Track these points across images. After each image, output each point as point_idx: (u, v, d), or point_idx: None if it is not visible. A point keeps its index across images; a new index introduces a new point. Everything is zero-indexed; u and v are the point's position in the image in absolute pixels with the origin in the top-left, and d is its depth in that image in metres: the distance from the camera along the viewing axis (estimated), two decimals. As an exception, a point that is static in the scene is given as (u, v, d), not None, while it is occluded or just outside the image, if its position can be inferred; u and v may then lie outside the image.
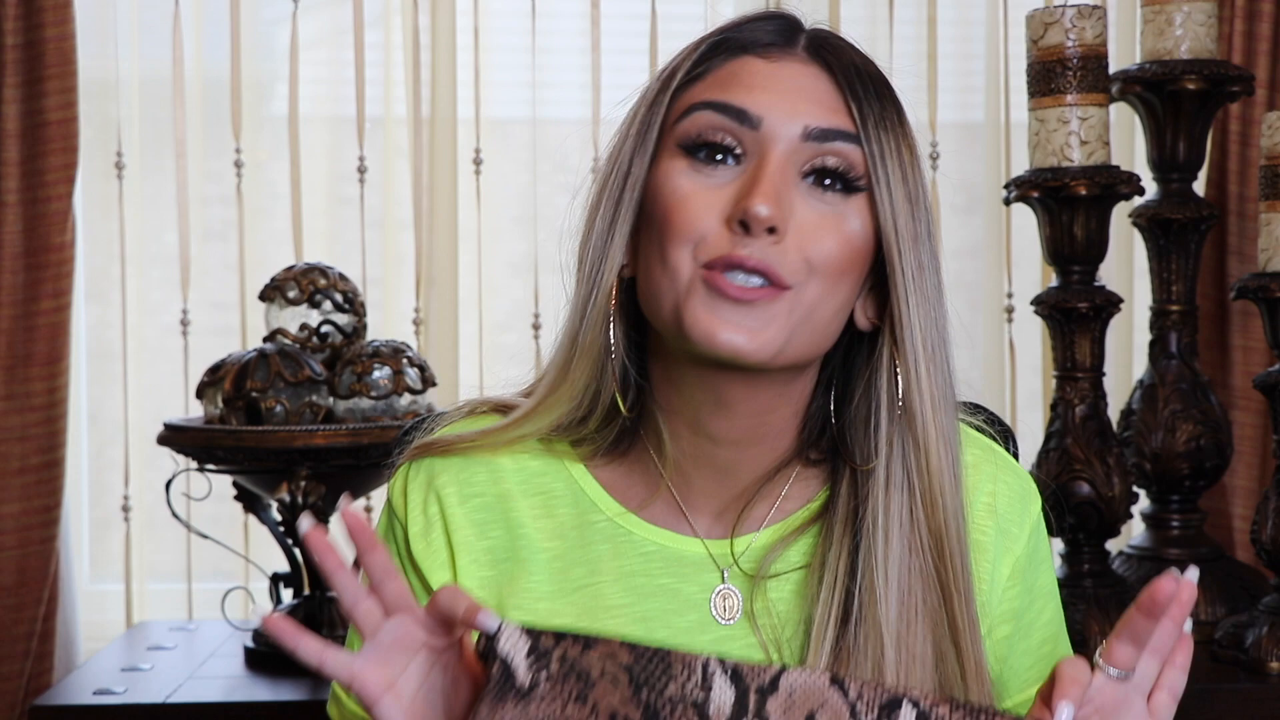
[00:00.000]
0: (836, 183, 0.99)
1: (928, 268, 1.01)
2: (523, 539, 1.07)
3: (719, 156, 0.99)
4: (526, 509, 1.07)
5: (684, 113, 1.00)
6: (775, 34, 1.02)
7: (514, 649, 0.90)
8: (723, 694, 0.90)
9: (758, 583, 1.04)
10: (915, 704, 0.90)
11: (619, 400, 1.05)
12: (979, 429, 1.14)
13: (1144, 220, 2.21)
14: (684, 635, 1.04)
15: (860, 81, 1.00)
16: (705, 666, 0.90)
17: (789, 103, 0.98)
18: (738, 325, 0.97)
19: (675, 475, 1.07)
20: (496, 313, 2.67)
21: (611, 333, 1.03)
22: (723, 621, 1.05)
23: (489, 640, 0.90)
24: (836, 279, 0.99)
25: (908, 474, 1.02)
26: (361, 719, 1.08)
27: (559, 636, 0.91)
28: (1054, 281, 2.14)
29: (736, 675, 0.90)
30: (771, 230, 0.96)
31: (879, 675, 1.00)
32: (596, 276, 1.02)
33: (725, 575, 1.06)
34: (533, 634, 0.91)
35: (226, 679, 2.07)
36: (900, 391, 1.01)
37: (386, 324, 2.62)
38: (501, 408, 1.11)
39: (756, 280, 0.97)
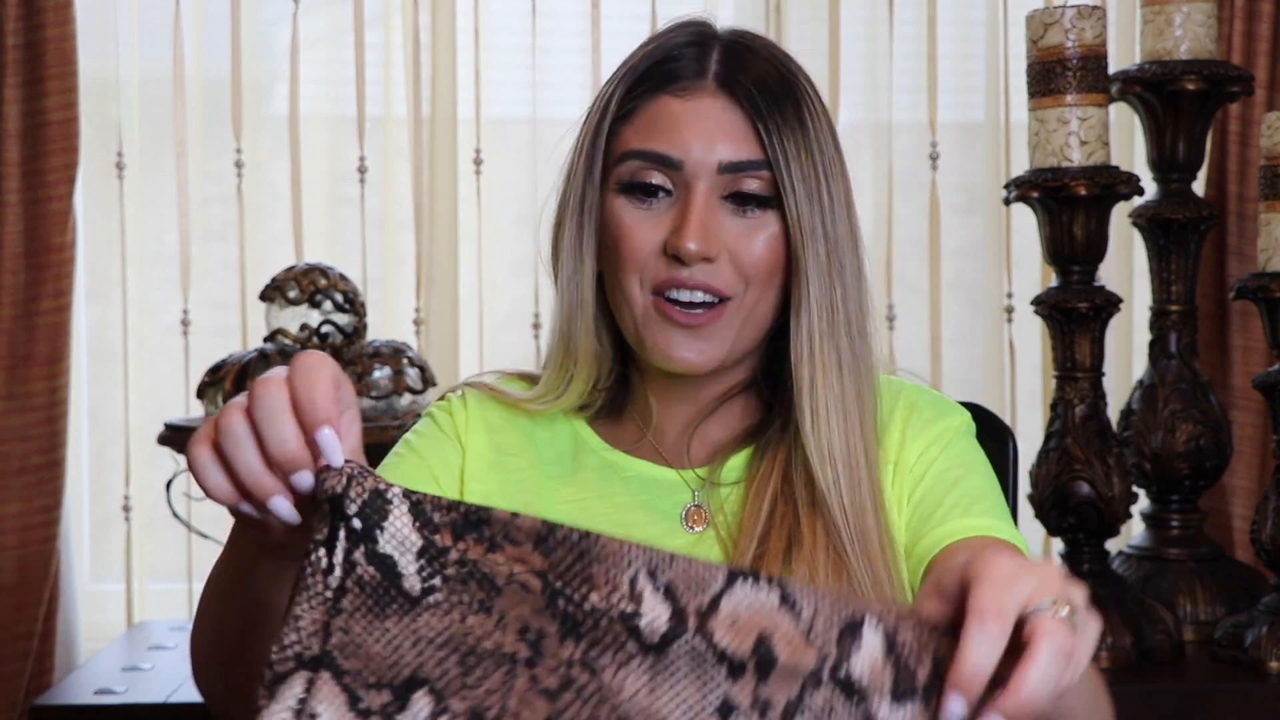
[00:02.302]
0: (752, 202, 1.16)
1: (834, 253, 1.16)
2: (527, 453, 1.24)
3: (653, 194, 1.16)
4: (532, 432, 1.25)
5: (619, 158, 1.17)
6: (690, 63, 1.17)
7: (400, 543, 0.77)
8: (655, 610, 0.77)
9: (711, 489, 1.21)
10: (879, 619, 0.77)
11: (607, 374, 1.24)
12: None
13: (1144, 220, 2.21)
14: (654, 539, 1.14)
15: (766, 101, 1.15)
16: (633, 581, 0.77)
17: (704, 142, 1.14)
18: (689, 346, 1.16)
19: (656, 431, 1.24)
20: (496, 313, 2.67)
21: (599, 337, 1.22)
22: (691, 531, 1.21)
23: (335, 498, 0.77)
24: (767, 280, 1.16)
25: (800, 424, 1.17)
26: None
27: (457, 526, 0.77)
28: (1054, 281, 2.14)
29: (670, 593, 0.77)
30: (705, 259, 1.14)
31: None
32: (575, 292, 1.20)
33: (695, 495, 1.22)
34: (420, 513, 0.77)
35: (227, 679, 2.07)
36: (792, 361, 1.16)
37: (386, 324, 2.62)
38: (526, 376, 1.29)
39: (700, 297, 1.14)
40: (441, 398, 1.29)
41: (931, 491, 1.18)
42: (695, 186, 1.14)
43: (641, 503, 1.21)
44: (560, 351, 1.22)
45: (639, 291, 1.16)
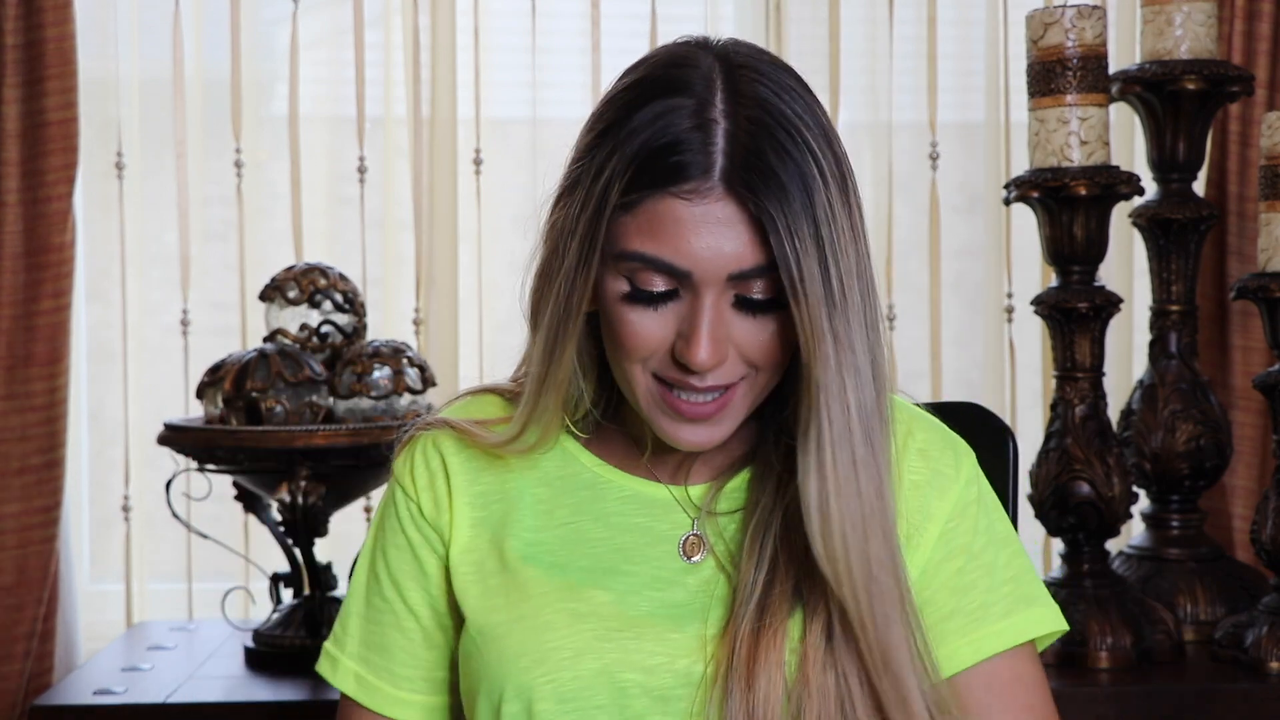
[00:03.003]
0: (760, 307, 1.10)
1: (845, 351, 1.09)
2: (511, 484, 1.20)
3: (662, 301, 1.10)
4: (516, 462, 1.21)
5: (620, 254, 1.10)
6: (693, 156, 1.07)
7: None
8: None
9: (709, 518, 1.17)
10: None
11: (589, 403, 1.21)
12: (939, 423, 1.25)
13: (1144, 220, 2.21)
14: (655, 563, 1.17)
15: (774, 197, 1.07)
16: None
17: (712, 253, 1.07)
18: (697, 431, 1.12)
19: (654, 450, 1.19)
20: (496, 313, 2.67)
21: (582, 376, 1.17)
22: (689, 561, 1.17)
23: None
24: (778, 364, 1.12)
25: (810, 539, 1.11)
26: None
27: None
28: (1054, 281, 2.14)
29: None
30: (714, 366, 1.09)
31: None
32: (558, 349, 1.13)
33: (695, 523, 1.18)
34: None
35: (226, 679, 2.07)
36: (799, 476, 1.10)
37: (386, 324, 2.62)
38: (498, 391, 1.25)
39: (709, 395, 1.10)
40: (406, 447, 1.23)
41: (964, 571, 1.16)
42: (704, 295, 1.08)
43: (637, 525, 1.18)
44: (535, 393, 1.17)
45: (642, 375, 1.12)
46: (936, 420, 1.23)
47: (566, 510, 1.19)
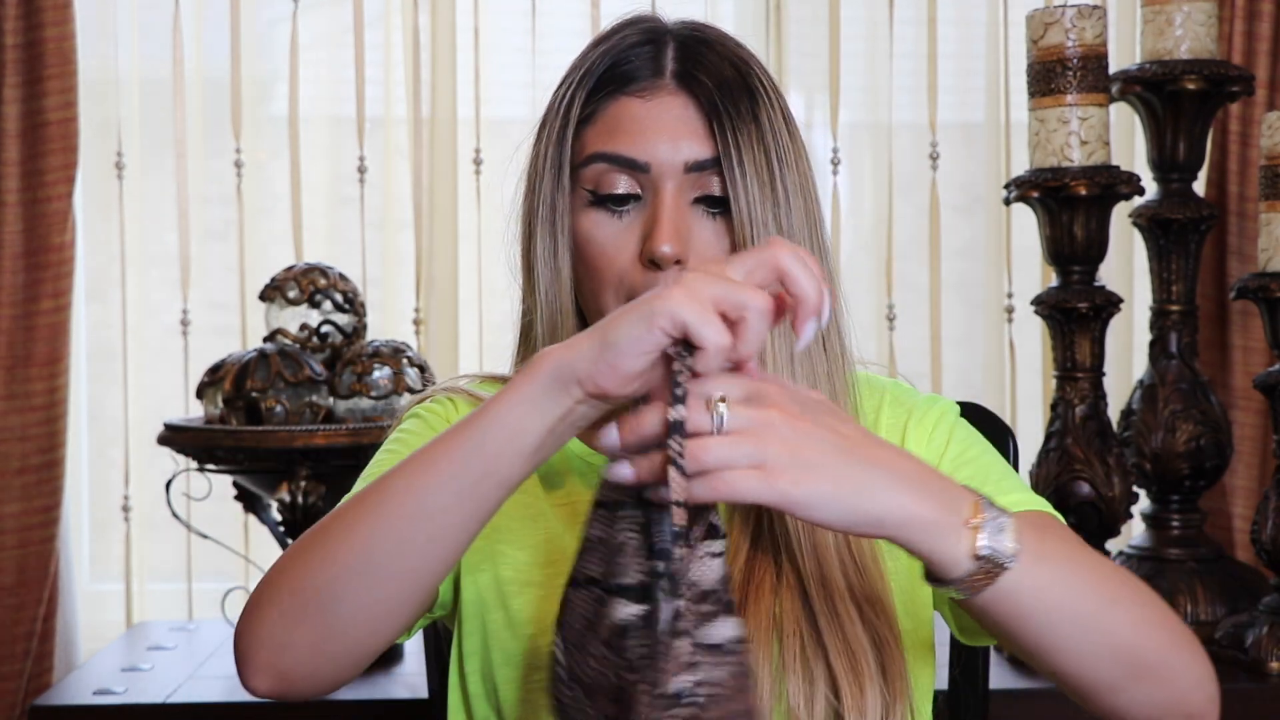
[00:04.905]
0: (719, 205, 1.14)
1: (788, 230, 1.14)
2: None
3: (624, 204, 1.15)
4: None
5: (585, 160, 1.16)
6: (646, 63, 1.16)
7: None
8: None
9: None
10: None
11: None
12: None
13: (1144, 220, 2.21)
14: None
15: (721, 97, 1.14)
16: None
17: (668, 143, 1.14)
18: None
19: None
20: (496, 313, 2.67)
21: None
22: None
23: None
24: None
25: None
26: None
27: None
28: (1054, 281, 2.14)
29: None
30: (678, 261, 1.12)
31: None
32: (556, 301, 1.18)
33: None
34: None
35: (226, 679, 2.07)
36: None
37: (386, 324, 2.62)
38: (503, 379, 1.26)
39: None
40: (423, 398, 1.26)
41: (955, 476, 1.15)
42: (663, 189, 1.13)
43: None
44: (548, 335, 1.19)
45: (616, 305, 1.14)
46: (913, 387, 1.27)
47: (563, 492, 1.21)
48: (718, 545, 0.90)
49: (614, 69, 1.17)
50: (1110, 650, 0.99)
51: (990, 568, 0.94)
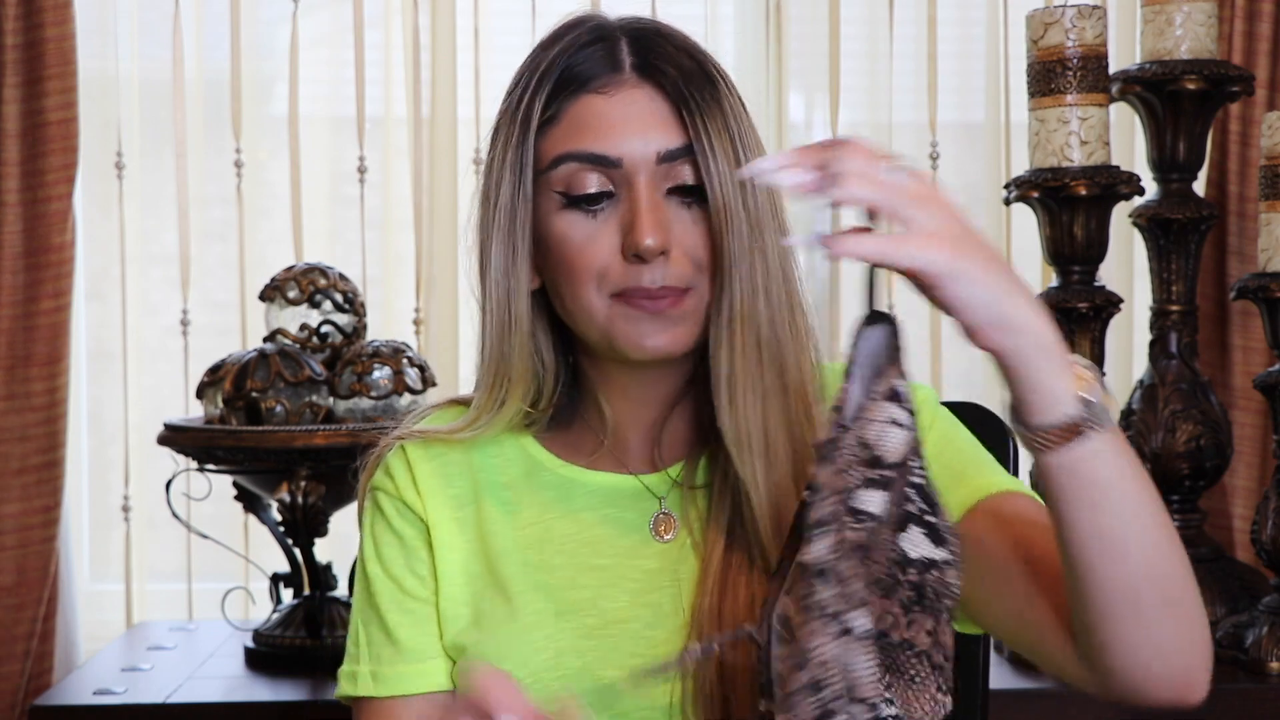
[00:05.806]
0: (693, 194, 1.13)
1: (754, 229, 1.13)
2: (482, 485, 1.21)
3: (598, 202, 1.13)
4: (481, 464, 1.21)
5: (552, 163, 1.14)
6: (603, 60, 1.16)
7: None
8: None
9: (678, 492, 1.18)
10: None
11: (551, 389, 1.21)
12: None
13: (1144, 220, 2.21)
14: (625, 555, 1.17)
15: (686, 85, 1.14)
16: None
17: (638, 136, 1.13)
18: (659, 333, 1.13)
19: (614, 437, 1.21)
20: (496, 313, 2.66)
21: (542, 352, 1.19)
22: (662, 540, 1.18)
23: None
24: (717, 268, 1.14)
25: (717, 411, 1.13)
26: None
27: None
28: (1054, 281, 2.14)
29: None
30: (663, 252, 1.11)
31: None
32: (508, 310, 1.16)
33: (663, 502, 1.19)
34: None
35: (226, 679, 2.07)
36: (710, 346, 1.14)
37: (386, 324, 2.62)
38: (464, 401, 1.25)
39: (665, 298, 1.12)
40: (372, 467, 1.24)
41: (940, 456, 1.13)
42: (637, 182, 1.12)
43: (605, 517, 1.18)
44: (491, 373, 1.18)
45: (598, 299, 1.13)
46: None
47: (533, 511, 1.19)
48: (903, 415, 0.85)
49: (570, 69, 1.17)
50: (1158, 560, 0.93)
51: (1086, 419, 0.89)
